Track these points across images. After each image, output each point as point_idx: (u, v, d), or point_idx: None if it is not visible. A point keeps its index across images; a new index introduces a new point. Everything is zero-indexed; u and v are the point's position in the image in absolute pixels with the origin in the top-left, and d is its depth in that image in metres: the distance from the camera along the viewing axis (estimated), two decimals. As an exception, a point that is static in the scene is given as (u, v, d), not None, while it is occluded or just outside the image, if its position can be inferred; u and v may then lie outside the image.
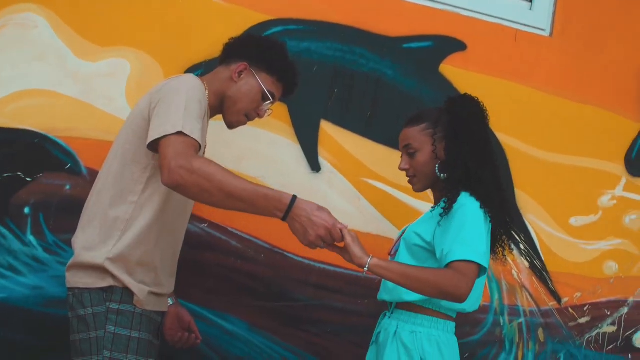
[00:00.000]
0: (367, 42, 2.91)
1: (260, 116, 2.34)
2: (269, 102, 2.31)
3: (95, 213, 2.15)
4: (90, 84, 2.67)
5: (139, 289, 2.10)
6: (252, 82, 2.28)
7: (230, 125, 2.35)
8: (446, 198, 2.16)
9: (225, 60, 2.35)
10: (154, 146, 2.01)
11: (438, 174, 2.23)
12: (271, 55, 2.31)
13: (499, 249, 2.26)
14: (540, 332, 2.92)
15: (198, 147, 1.99)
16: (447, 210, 2.13)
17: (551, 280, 2.95)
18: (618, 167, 3.07)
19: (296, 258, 2.77)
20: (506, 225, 2.23)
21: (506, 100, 2.98)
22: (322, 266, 2.78)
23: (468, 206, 2.11)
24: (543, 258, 2.95)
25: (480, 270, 2.07)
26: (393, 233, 2.79)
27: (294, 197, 1.96)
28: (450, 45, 2.99)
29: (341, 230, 2.00)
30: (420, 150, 2.24)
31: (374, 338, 2.37)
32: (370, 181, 2.86)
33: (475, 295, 2.20)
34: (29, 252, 2.56)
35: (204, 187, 1.92)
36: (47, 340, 2.54)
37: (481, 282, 2.23)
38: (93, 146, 2.64)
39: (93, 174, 2.60)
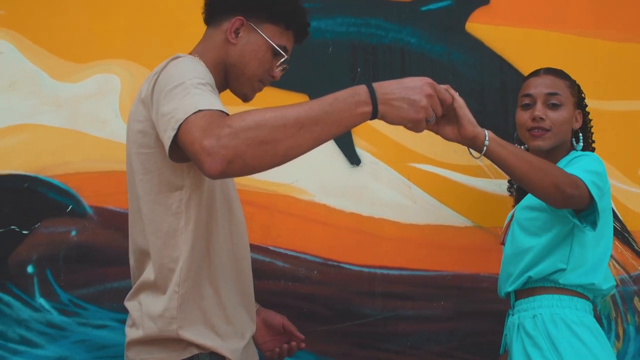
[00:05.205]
0: (381, 10, 2.62)
1: (275, 78, 1.87)
2: (283, 58, 1.84)
3: (144, 273, 1.70)
4: (76, 108, 2.39)
5: (231, 351, 1.69)
6: (256, 39, 1.81)
7: (245, 98, 1.87)
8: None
9: (213, 19, 1.86)
10: (178, 153, 1.53)
11: (573, 141, 2.14)
12: None
13: None
14: (636, 300, 2.65)
15: (225, 115, 1.49)
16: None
17: (635, 241, 2.68)
18: (677, 104, 2.80)
19: (354, 268, 2.45)
20: None
21: (541, 50, 2.72)
22: (385, 272, 2.47)
23: (595, 156, 2.06)
24: (621, 218, 2.67)
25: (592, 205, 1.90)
26: (456, 220, 2.53)
27: (368, 83, 1.52)
28: (472, 0, 2.71)
29: (447, 89, 1.62)
30: (565, 106, 2.12)
31: (502, 350, 2.07)
32: (418, 165, 2.57)
33: (605, 271, 1.99)
34: (42, 318, 2.24)
35: (263, 139, 1.42)
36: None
37: (606, 259, 2.03)
38: (93, 180, 2.34)
39: (99, 213, 2.33)
